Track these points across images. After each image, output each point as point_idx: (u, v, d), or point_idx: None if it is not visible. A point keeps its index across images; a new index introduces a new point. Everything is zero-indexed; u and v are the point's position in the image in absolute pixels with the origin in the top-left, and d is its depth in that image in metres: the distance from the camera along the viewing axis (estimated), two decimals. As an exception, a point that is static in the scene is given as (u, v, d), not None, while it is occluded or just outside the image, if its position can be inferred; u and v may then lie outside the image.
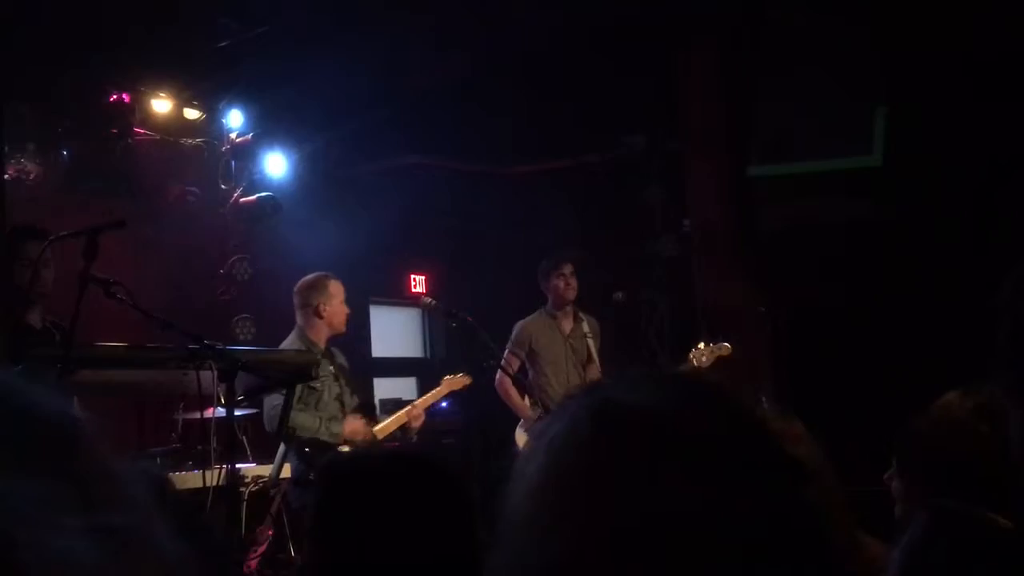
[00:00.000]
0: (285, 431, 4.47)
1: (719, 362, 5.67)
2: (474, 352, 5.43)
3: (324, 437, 4.85)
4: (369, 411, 5.29)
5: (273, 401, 4.75)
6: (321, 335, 5.06)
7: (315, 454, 4.73)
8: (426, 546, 1.69)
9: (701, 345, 5.76)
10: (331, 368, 5.08)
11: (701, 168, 6.78)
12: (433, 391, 5.39)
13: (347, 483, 1.82)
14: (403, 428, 5.18)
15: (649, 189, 7.40)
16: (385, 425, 5.15)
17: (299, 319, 5.10)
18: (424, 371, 8.30)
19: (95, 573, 0.48)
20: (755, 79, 6.62)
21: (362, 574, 1.70)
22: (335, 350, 5.26)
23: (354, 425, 4.96)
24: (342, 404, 5.05)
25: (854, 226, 6.34)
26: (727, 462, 0.66)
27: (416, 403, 5.30)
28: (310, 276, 5.14)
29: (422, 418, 5.19)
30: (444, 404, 6.30)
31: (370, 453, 2.06)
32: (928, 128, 6.03)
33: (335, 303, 5.06)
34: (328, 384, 5.01)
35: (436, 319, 7.31)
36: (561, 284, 6.04)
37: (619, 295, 6.33)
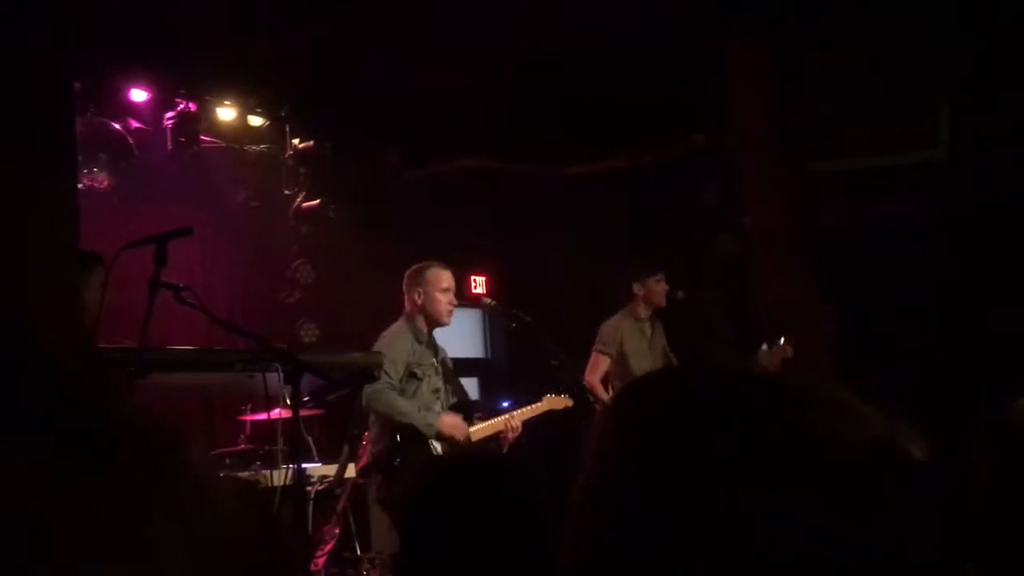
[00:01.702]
0: (350, 432, 4.54)
1: (784, 364, 5.67)
2: (535, 353, 5.43)
3: (419, 424, 4.69)
4: (466, 412, 5.04)
5: (372, 386, 4.70)
6: (423, 324, 4.92)
7: (406, 443, 4.66)
8: (508, 558, 1.71)
9: (764, 348, 5.76)
10: (433, 360, 4.96)
11: (759, 165, 6.71)
12: (533, 405, 5.17)
13: (429, 488, 1.85)
14: (496, 437, 4.99)
15: (707, 188, 7.35)
16: (480, 428, 4.98)
17: (406, 306, 5.00)
18: (485, 371, 8.34)
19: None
20: (814, 74, 6.54)
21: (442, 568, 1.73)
22: (440, 345, 5.13)
23: (452, 421, 4.80)
24: (439, 399, 4.93)
25: (919, 221, 6.22)
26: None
27: (515, 414, 5.05)
28: (417, 264, 4.99)
29: (519, 431, 4.97)
30: (505, 405, 6.33)
31: (452, 468, 2.07)
32: (994, 121, 5.90)
33: (431, 292, 4.87)
34: (429, 376, 4.89)
35: (496, 320, 7.36)
36: (660, 289, 6.10)
37: (680, 294, 6.28)
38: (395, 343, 4.86)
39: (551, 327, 5.33)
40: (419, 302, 4.88)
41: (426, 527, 1.78)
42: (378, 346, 4.88)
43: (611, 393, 5.70)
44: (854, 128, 6.49)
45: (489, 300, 5.25)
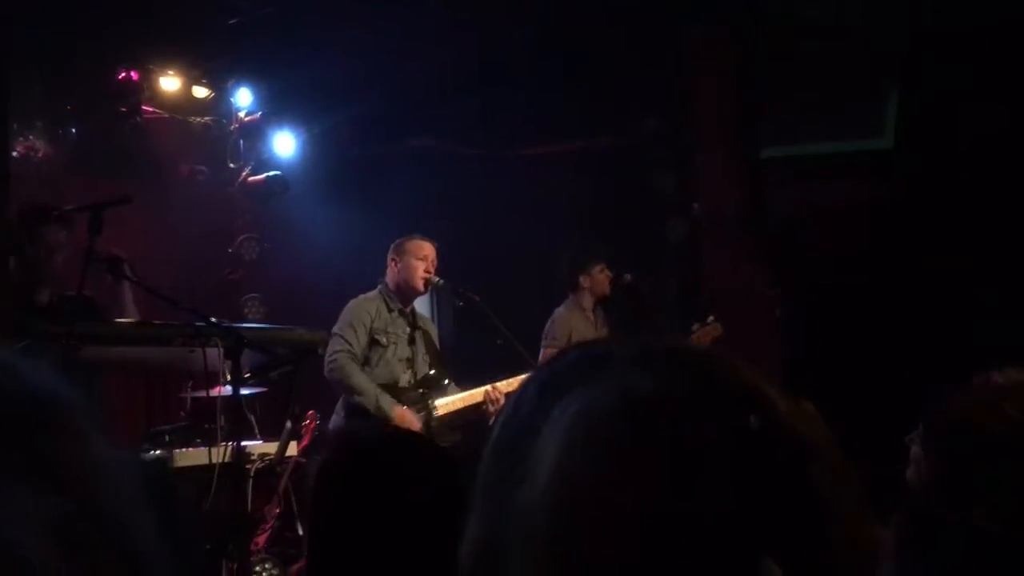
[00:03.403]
0: (292, 410, 4.47)
1: (715, 342, 5.71)
2: (482, 332, 5.38)
3: (371, 408, 4.66)
4: (434, 386, 4.97)
5: (333, 347, 4.70)
6: (399, 295, 4.98)
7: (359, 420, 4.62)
8: (418, 531, 1.68)
9: (696, 327, 5.78)
10: (407, 328, 4.96)
11: (712, 150, 6.75)
12: (517, 378, 4.90)
13: (339, 467, 1.81)
14: (477, 408, 4.88)
15: (659, 172, 7.36)
16: (453, 400, 4.89)
17: (386, 276, 5.06)
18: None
19: (42, 568, 0.46)
20: (767, 61, 6.57)
21: (352, 553, 1.69)
22: (423, 317, 5.21)
23: (405, 416, 4.71)
24: (411, 367, 4.90)
25: (864, 208, 6.30)
26: (741, 451, 0.65)
27: (498, 385, 4.85)
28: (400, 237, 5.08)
29: (501, 403, 4.76)
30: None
31: (364, 435, 2.03)
32: (939, 110, 5.98)
33: (408, 260, 4.95)
34: (397, 343, 4.88)
35: (444, 299, 7.30)
36: (604, 278, 6.10)
37: (627, 277, 6.29)
38: (358, 308, 4.90)
39: (500, 308, 5.29)
40: (396, 269, 4.97)
41: (334, 504, 1.74)
42: (343, 312, 4.91)
43: None
44: (803, 115, 6.54)
45: (437, 279, 5.17)
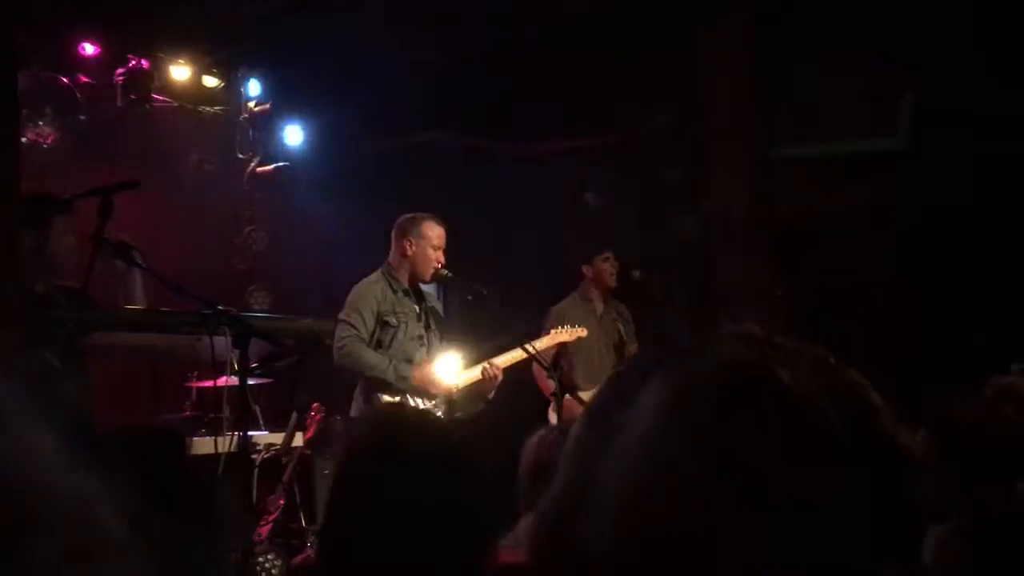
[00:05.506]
0: (299, 399, 4.45)
1: None
2: (491, 326, 5.34)
3: (390, 378, 4.61)
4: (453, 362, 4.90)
5: (341, 333, 4.62)
6: (405, 275, 4.85)
7: (379, 399, 4.59)
8: (438, 517, 1.66)
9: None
10: (415, 307, 4.87)
11: (723, 149, 6.72)
12: (512, 352, 4.89)
13: (362, 453, 1.79)
14: (478, 386, 4.86)
15: (670, 169, 7.32)
16: (465, 376, 4.86)
17: (390, 254, 4.90)
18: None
19: None
20: (780, 58, 6.54)
21: (371, 540, 1.67)
22: (429, 294, 5.07)
23: (425, 372, 4.71)
24: (424, 343, 4.82)
25: (876, 208, 6.26)
26: (856, 448, 0.65)
27: (494, 361, 4.82)
28: (410, 214, 4.91)
29: (499, 379, 4.80)
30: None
31: (388, 422, 2.02)
32: (953, 109, 5.94)
33: (424, 246, 4.80)
34: (407, 323, 4.80)
35: (453, 291, 7.28)
36: (608, 268, 6.03)
37: (637, 273, 6.26)
38: (363, 293, 4.78)
39: (511, 302, 5.25)
40: (409, 252, 4.81)
41: (353, 493, 1.72)
42: (348, 298, 4.79)
43: (561, 373, 5.43)
44: (816, 114, 6.51)
45: (445, 272, 5.10)
